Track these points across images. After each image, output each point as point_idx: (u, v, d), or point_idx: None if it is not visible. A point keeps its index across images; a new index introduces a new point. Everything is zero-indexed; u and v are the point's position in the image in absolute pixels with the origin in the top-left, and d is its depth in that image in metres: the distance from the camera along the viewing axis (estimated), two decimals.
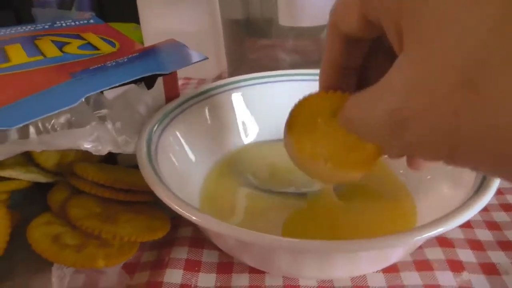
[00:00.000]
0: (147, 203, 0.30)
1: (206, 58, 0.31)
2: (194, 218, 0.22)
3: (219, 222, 0.21)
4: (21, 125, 0.23)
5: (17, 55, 0.34)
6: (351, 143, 0.22)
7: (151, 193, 0.30)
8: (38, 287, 0.26)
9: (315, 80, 0.36)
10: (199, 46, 0.38)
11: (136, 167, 0.33)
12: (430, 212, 0.27)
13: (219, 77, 0.57)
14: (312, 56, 0.53)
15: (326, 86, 0.24)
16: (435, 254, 0.27)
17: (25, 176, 0.30)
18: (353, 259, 0.24)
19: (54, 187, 0.30)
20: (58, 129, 0.25)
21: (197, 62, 0.31)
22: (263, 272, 0.27)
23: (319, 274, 0.26)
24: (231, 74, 0.53)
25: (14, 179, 0.30)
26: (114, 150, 0.25)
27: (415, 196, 0.30)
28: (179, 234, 0.30)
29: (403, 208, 0.29)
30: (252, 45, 0.53)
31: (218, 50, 0.55)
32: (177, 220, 0.31)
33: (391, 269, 0.26)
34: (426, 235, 0.20)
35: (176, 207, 0.22)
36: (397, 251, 0.24)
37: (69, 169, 0.33)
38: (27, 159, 0.33)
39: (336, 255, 0.23)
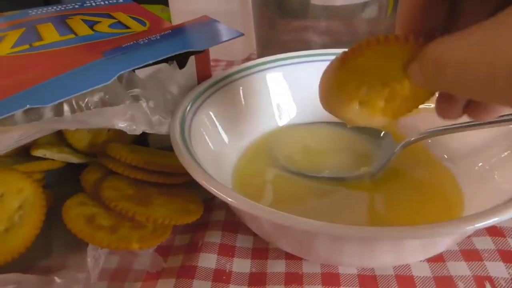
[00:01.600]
0: (180, 185, 0.30)
1: (242, 35, 0.30)
2: (232, 200, 0.21)
3: (259, 205, 0.20)
4: (55, 103, 0.22)
5: (49, 34, 0.34)
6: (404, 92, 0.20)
7: (184, 175, 0.30)
8: (75, 266, 0.26)
9: None
10: (228, 26, 0.36)
11: (167, 148, 0.32)
12: (480, 201, 0.25)
13: (248, 59, 0.55)
14: (343, 38, 0.51)
15: (405, 27, 0.19)
16: (485, 243, 0.26)
17: (59, 156, 0.30)
18: (397, 247, 0.22)
19: (87, 168, 0.30)
20: (91, 107, 0.24)
21: (232, 39, 0.30)
22: (300, 259, 0.26)
23: (360, 262, 0.24)
24: (261, 56, 0.52)
25: (47, 159, 0.30)
26: (148, 130, 0.24)
27: (462, 184, 0.28)
28: (212, 217, 0.29)
29: (449, 196, 0.28)
30: (283, 26, 0.51)
31: (247, 31, 0.54)
32: (209, 203, 0.30)
33: (437, 259, 0.25)
34: (480, 224, 0.19)
35: (213, 189, 0.21)
36: (446, 240, 0.23)
37: (102, 150, 0.32)
38: (60, 139, 0.33)
39: (381, 242, 0.21)
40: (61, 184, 0.32)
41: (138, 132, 0.24)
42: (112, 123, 0.23)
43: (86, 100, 0.24)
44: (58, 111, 0.23)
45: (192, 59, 0.31)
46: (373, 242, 0.21)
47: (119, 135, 0.33)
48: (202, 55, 0.31)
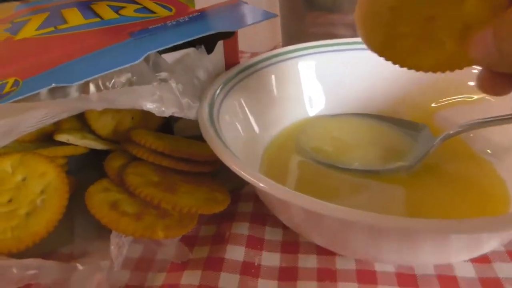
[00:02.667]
0: (205, 174, 0.28)
1: (274, 16, 0.29)
2: (264, 185, 0.19)
3: (293, 192, 0.19)
4: (81, 81, 0.21)
5: (74, 17, 0.33)
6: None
7: (210, 164, 0.28)
8: (97, 253, 0.25)
9: None
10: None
11: (193, 137, 0.31)
12: None
13: None
14: None
15: None
16: None
17: (82, 142, 0.29)
18: (441, 244, 0.21)
19: (110, 154, 0.29)
20: (118, 88, 0.23)
21: (263, 20, 0.28)
22: (332, 254, 0.24)
23: (399, 259, 0.23)
24: None
25: (70, 145, 0.29)
26: (177, 113, 0.23)
27: (508, 180, 0.26)
28: (239, 208, 0.28)
29: (492, 192, 0.26)
30: (311, 19, 0.49)
31: (273, 22, 0.52)
32: (236, 194, 0.29)
33: (482, 259, 0.23)
34: None
35: (245, 174, 0.20)
36: (493, 239, 0.21)
37: (126, 136, 0.31)
38: (83, 125, 0.32)
39: (423, 237, 0.20)
40: (83, 171, 0.31)
41: (167, 114, 0.23)
42: (140, 104, 0.21)
43: (113, 81, 0.23)
44: (84, 91, 0.22)
45: (220, 44, 0.30)
46: (414, 237, 0.20)
47: (143, 122, 0.32)
48: (230, 40, 0.30)
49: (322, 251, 0.25)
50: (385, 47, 0.19)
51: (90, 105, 0.21)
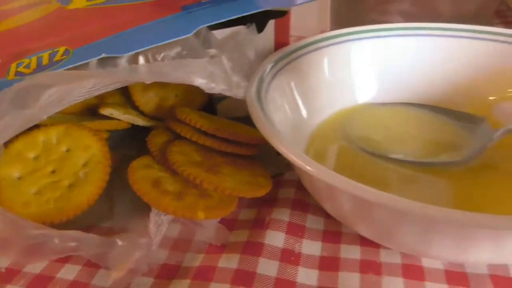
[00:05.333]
0: (246, 158, 0.28)
1: None
2: (312, 169, 0.19)
3: (348, 180, 0.18)
4: (131, 52, 0.21)
5: None
6: None
7: (254, 147, 0.28)
8: (136, 230, 0.25)
9: (451, 36, 0.31)
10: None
11: (236, 119, 0.31)
12: None
13: None
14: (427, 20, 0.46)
15: None
16: None
17: (125, 117, 0.29)
18: (499, 242, 0.19)
19: (153, 131, 0.28)
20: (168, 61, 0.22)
21: None
22: (376, 246, 0.23)
23: (450, 256, 0.21)
24: None
25: (113, 119, 0.29)
26: (226, 91, 0.22)
27: None
28: (280, 194, 0.27)
29: None
30: (363, 4, 0.47)
31: (322, 6, 0.51)
32: (277, 180, 0.28)
33: None
34: None
35: (294, 157, 0.19)
36: None
37: (170, 113, 0.31)
38: (126, 101, 0.32)
39: (481, 234, 0.18)
40: (122, 147, 0.31)
41: (216, 91, 0.22)
42: (192, 79, 0.21)
43: (163, 54, 0.22)
44: (134, 63, 0.22)
45: (271, 24, 0.29)
46: (470, 233, 0.18)
47: (187, 100, 0.32)
48: (283, 20, 0.29)
49: (365, 243, 0.23)
50: None
51: (139, 77, 0.20)
